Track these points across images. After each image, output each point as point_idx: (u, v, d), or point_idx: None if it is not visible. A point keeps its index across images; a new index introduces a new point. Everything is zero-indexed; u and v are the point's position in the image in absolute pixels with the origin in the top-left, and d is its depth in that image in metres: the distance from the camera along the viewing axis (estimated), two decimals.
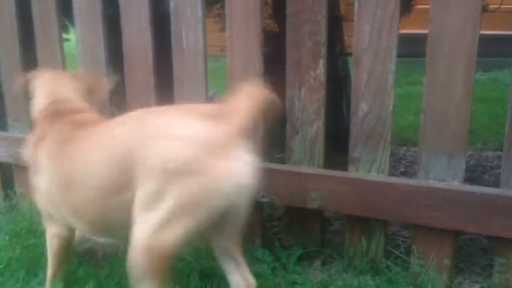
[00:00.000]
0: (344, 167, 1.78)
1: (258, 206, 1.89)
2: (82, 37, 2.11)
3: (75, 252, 2.04)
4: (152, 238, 1.23)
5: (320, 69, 1.72)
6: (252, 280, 1.45)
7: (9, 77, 2.31)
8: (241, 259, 1.45)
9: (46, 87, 1.70)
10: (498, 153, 2.91)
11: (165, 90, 2.00)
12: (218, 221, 1.29)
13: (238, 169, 1.21)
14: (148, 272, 1.27)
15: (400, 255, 1.83)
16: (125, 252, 1.97)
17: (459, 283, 1.73)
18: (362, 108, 1.68)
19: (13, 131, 2.38)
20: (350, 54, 2.83)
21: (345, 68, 2.89)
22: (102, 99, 1.88)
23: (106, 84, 1.87)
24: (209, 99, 2.99)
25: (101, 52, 2.07)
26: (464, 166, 1.60)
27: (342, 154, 1.85)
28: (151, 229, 1.23)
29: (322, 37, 1.70)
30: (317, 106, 1.75)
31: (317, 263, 1.90)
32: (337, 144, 2.07)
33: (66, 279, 1.73)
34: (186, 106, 1.40)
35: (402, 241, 1.92)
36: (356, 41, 1.66)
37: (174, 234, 1.22)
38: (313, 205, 1.77)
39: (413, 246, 1.72)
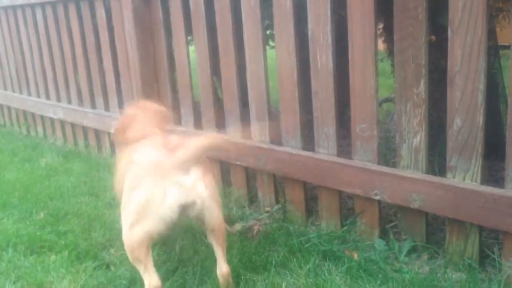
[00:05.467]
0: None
1: (374, 202, 2.21)
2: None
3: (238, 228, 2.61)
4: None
5: (422, 87, 1.96)
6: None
7: None
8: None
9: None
10: None
11: (305, 100, 2.44)
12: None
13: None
14: None
15: (495, 257, 1.95)
16: (275, 229, 2.48)
17: None
18: (456, 122, 1.89)
19: None
20: (503, 47, 2.73)
21: (498, 62, 2.84)
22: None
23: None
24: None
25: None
26: None
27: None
28: None
29: (423, 60, 1.94)
30: (419, 119, 2.00)
31: (425, 257, 2.14)
32: (496, 151, 2.12)
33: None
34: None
35: (498, 243, 2.03)
36: (450, 64, 1.86)
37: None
38: (415, 205, 2.03)
39: (503, 250, 1.86)
